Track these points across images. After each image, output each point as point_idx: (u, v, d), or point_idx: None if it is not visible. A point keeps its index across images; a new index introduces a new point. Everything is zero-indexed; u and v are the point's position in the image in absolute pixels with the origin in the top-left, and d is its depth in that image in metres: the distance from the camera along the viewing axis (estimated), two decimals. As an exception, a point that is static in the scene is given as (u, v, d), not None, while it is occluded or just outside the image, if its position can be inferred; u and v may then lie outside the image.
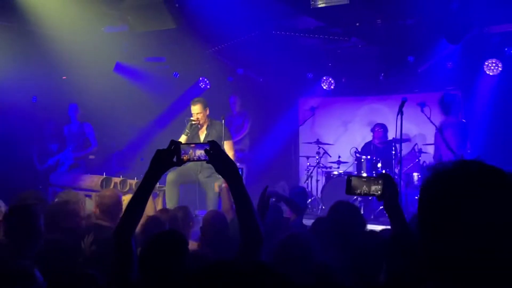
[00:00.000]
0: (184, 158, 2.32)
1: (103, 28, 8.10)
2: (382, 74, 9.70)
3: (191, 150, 2.33)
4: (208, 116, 7.14)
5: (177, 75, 10.33)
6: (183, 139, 6.80)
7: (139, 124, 10.07)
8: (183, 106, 10.62)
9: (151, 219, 4.06)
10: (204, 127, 7.13)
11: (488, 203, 1.08)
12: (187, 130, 6.88)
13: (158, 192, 7.50)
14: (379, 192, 2.50)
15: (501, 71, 8.51)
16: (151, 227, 3.77)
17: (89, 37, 8.17)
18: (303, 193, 5.31)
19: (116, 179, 7.29)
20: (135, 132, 9.90)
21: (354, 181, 2.56)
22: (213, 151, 2.26)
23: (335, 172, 9.13)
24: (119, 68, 9.40)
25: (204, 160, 2.30)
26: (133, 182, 7.24)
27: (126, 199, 5.16)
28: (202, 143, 2.35)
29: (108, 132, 9.51)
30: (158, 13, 6.09)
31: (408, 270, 2.17)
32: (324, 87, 10.18)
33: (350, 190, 2.56)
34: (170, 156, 2.30)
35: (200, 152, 2.31)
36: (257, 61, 9.95)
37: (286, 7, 7.16)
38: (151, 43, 8.47)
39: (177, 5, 6.01)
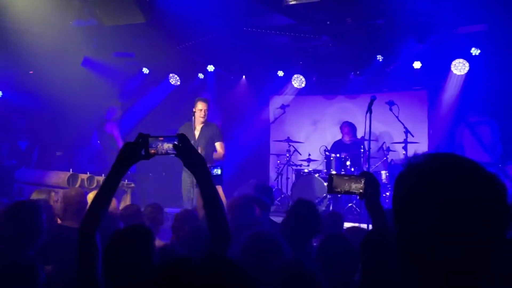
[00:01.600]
0: (152, 151, 2.25)
1: (71, 22, 7.94)
2: (354, 73, 9.79)
3: (159, 144, 2.25)
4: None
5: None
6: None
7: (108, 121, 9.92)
8: (153, 102, 10.53)
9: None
10: (200, 126, 7.30)
11: (461, 195, 1.08)
12: (181, 131, 6.93)
13: (126, 190, 7.40)
14: (360, 190, 2.49)
15: (468, 71, 8.67)
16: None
17: (57, 31, 7.99)
18: (267, 189, 5.29)
19: (83, 176, 7.17)
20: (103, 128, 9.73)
21: (336, 179, 2.54)
22: (182, 145, 2.21)
23: (305, 170, 9.17)
24: (87, 62, 9.24)
25: (172, 154, 2.24)
26: (101, 179, 7.12)
27: (92, 196, 5.07)
28: (171, 136, 2.27)
29: (76, 128, 9.34)
30: (128, 7, 5.99)
31: (386, 267, 2.16)
32: (295, 85, 10.22)
33: (331, 188, 2.54)
34: (138, 149, 2.23)
35: (168, 146, 2.24)
36: (228, 58, 9.92)
37: (257, 4, 7.14)
38: (120, 38, 8.34)
39: (147, -1, 5.93)
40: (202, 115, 7.25)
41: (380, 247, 2.22)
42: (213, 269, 1.05)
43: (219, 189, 6.42)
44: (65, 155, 9.52)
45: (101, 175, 7.24)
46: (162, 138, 2.25)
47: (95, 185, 7.03)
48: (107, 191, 2.22)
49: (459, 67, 8.70)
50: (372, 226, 2.54)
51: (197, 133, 7.25)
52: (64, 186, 6.91)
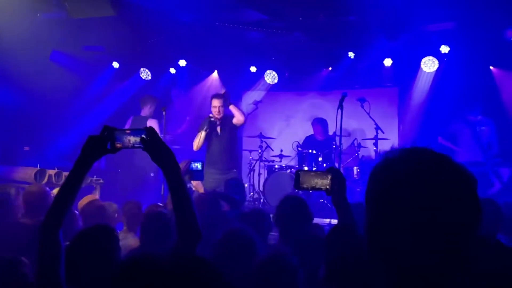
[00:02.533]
0: (118, 145, 2.16)
1: (39, 14, 7.76)
2: (326, 69, 9.85)
3: (126, 137, 2.16)
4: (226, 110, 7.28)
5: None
6: (201, 135, 7.05)
7: (77, 114, 9.75)
8: (124, 97, 10.39)
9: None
10: (219, 122, 7.26)
11: (432, 190, 1.07)
12: (206, 126, 7.05)
13: (94, 186, 7.29)
14: (327, 186, 2.49)
15: (437, 68, 8.80)
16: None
17: (24, 24, 7.80)
18: (238, 185, 5.27)
19: (51, 171, 7.02)
20: (72, 123, 9.56)
21: (303, 175, 2.53)
22: (150, 138, 2.12)
23: (277, 166, 9.18)
24: (55, 56, 9.05)
25: (139, 147, 2.15)
26: (69, 175, 7.00)
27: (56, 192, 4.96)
28: (138, 129, 2.18)
29: (44, 123, 9.16)
30: (97, 0, 5.90)
31: (350, 262, 2.16)
32: (268, 81, 10.21)
33: (298, 184, 2.53)
34: (103, 143, 2.15)
35: (135, 139, 2.15)
36: (200, 53, 9.84)
37: (230, -2, 7.11)
38: (89, 31, 8.19)
39: (116, -8, 5.83)
40: (216, 112, 7.12)
41: (345, 242, 2.22)
42: (179, 266, 1.01)
43: (199, 184, 6.35)
44: (33, 150, 9.32)
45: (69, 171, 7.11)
46: (129, 131, 2.17)
47: (62, 180, 6.88)
48: (70, 187, 2.13)
49: (429, 64, 8.81)
50: (338, 221, 2.54)
51: (219, 129, 7.27)
52: (31, 182, 6.77)
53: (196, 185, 5.52)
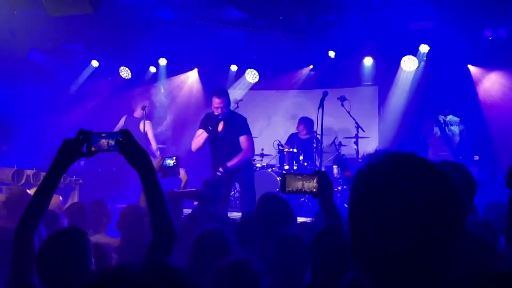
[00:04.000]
0: (93, 149, 2.15)
1: (15, 11, 7.64)
2: (306, 68, 9.87)
3: (102, 140, 2.15)
4: (229, 109, 6.45)
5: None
6: (199, 131, 6.40)
7: (55, 114, 9.63)
8: (104, 96, 10.30)
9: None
10: (222, 122, 6.40)
11: (418, 195, 1.08)
12: (209, 126, 6.28)
13: (74, 186, 7.20)
14: (314, 190, 2.47)
15: (417, 67, 8.88)
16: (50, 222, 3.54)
17: (0, 21, 7.67)
18: (216, 184, 5.21)
19: (29, 172, 6.92)
20: (51, 122, 9.44)
21: (289, 178, 2.50)
22: (125, 141, 2.11)
23: (258, 165, 9.16)
24: (33, 54, 8.92)
25: (114, 150, 2.14)
26: (48, 175, 6.90)
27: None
28: (114, 132, 2.18)
29: (22, 122, 9.03)
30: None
31: (336, 265, 2.15)
32: (249, 80, 10.20)
33: (284, 188, 2.51)
34: (78, 146, 2.13)
35: (111, 142, 2.14)
36: (180, 51, 9.79)
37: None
38: (68, 29, 8.08)
39: (95, -11, 5.76)
40: (218, 112, 6.27)
41: (332, 245, 2.21)
42: (150, 279, 1.00)
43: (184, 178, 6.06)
44: (10, 150, 9.18)
45: (48, 171, 7.02)
46: (104, 134, 2.16)
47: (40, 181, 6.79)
48: (45, 190, 2.12)
49: (409, 63, 8.89)
50: (326, 225, 2.53)
51: (220, 127, 6.38)
52: (9, 183, 6.67)
53: (183, 176, 5.37)
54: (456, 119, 8.33)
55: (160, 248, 2.03)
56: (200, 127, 6.49)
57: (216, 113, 6.27)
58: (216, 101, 6.24)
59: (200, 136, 6.40)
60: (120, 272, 1.00)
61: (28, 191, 4.73)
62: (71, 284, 2.11)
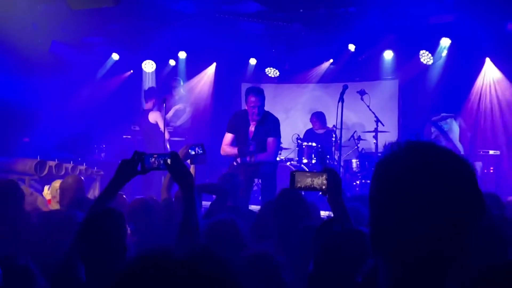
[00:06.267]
0: (146, 167, 2.54)
1: (38, 6, 7.74)
2: (326, 61, 9.83)
3: (153, 159, 2.54)
4: (263, 109, 6.18)
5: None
6: (229, 136, 6.25)
7: (77, 107, 9.73)
8: (125, 89, 10.39)
9: None
10: (254, 122, 6.16)
11: (440, 184, 1.08)
12: (239, 128, 6.13)
13: (95, 177, 7.30)
14: (323, 187, 2.47)
15: (436, 60, 8.79)
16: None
17: (24, 15, 7.78)
18: (234, 178, 5.20)
19: (51, 163, 7.01)
20: (72, 114, 9.55)
21: (298, 176, 2.51)
22: (172, 162, 2.51)
23: (277, 158, 9.15)
24: (55, 47, 9.03)
25: (163, 169, 2.53)
26: (69, 166, 6.99)
27: (56, 185, 4.96)
28: (164, 153, 2.59)
29: (44, 114, 9.15)
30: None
31: (338, 259, 2.14)
32: (269, 74, 10.21)
33: (293, 185, 2.52)
34: (134, 166, 2.53)
35: (160, 162, 2.54)
36: (199, 44, 9.82)
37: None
38: (89, 22, 8.16)
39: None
40: (255, 112, 6.02)
41: (334, 236, 2.21)
42: (199, 264, 1.00)
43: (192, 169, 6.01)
44: (32, 141, 9.31)
45: (70, 162, 7.11)
46: (156, 155, 2.56)
47: (63, 172, 6.88)
48: (103, 201, 2.53)
49: (425, 58, 8.80)
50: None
51: (252, 129, 6.15)
52: (32, 174, 6.77)
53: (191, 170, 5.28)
54: (449, 114, 8.24)
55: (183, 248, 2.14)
56: (229, 130, 6.30)
57: (251, 112, 6.08)
58: (252, 100, 6.03)
59: (231, 152, 6.22)
60: (164, 257, 1.00)
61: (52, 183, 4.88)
62: (110, 263, 2.27)
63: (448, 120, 8.07)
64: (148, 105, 8.39)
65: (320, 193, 2.54)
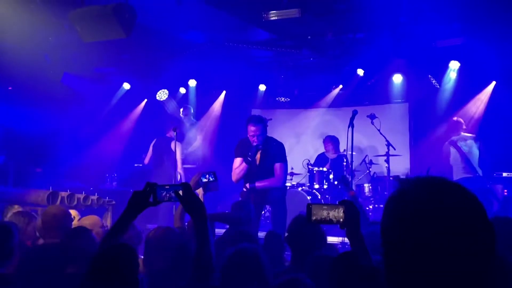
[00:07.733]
0: (158, 199, 2.54)
1: (50, 38, 7.87)
2: (335, 86, 9.87)
3: (164, 192, 2.54)
4: (265, 136, 6.25)
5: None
6: (238, 160, 6.27)
7: (89, 137, 9.82)
8: (138, 119, 10.48)
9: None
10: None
11: (451, 220, 1.08)
12: (247, 154, 6.13)
13: (107, 207, 7.30)
14: (340, 219, 2.44)
15: (446, 83, 8.79)
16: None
17: (36, 47, 7.92)
18: (245, 206, 5.18)
19: (63, 194, 7.03)
20: (84, 143, 9.63)
21: (314, 208, 2.48)
22: (183, 193, 2.51)
23: (288, 184, 9.13)
24: (67, 78, 9.15)
25: (176, 200, 2.52)
26: (81, 196, 7.01)
27: (73, 213, 4.98)
28: (176, 185, 2.60)
29: (56, 144, 9.23)
30: (108, 23, 5.92)
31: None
32: (281, 100, 10.28)
33: (310, 218, 2.49)
34: (146, 197, 2.53)
35: (172, 194, 2.53)
36: (209, 72, 9.92)
37: (238, 19, 7.16)
38: (100, 53, 8.29)
39: (127, 15, 5.88)
40: (253, 140, 6.11)
41: (349, 270, 2.19)
42: None
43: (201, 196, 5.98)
44: (45, 172, 9.38)
45: (82, 193, 7.13)
46: (168, 187, 2.56)
47: (75, 202, 6.90)
48: (116, 234, 2.55)
49: (436, 80, 8.82)
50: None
51: (258, 157, 6.22)
52: (44, 205, 6.79)
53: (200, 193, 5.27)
54: (469, 135, 8.14)
55: (198, 280, 2.35)
56: (237, 155, 6.35)
57: (251, 141, 6.12)
58: (251, 129, 6.11)
59: (241, 168, 6.24)
60: None
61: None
62: None
63: (468, 142, 7.98)
64: (170, 133, 8.45)
65: (339, 226, 2.50)
